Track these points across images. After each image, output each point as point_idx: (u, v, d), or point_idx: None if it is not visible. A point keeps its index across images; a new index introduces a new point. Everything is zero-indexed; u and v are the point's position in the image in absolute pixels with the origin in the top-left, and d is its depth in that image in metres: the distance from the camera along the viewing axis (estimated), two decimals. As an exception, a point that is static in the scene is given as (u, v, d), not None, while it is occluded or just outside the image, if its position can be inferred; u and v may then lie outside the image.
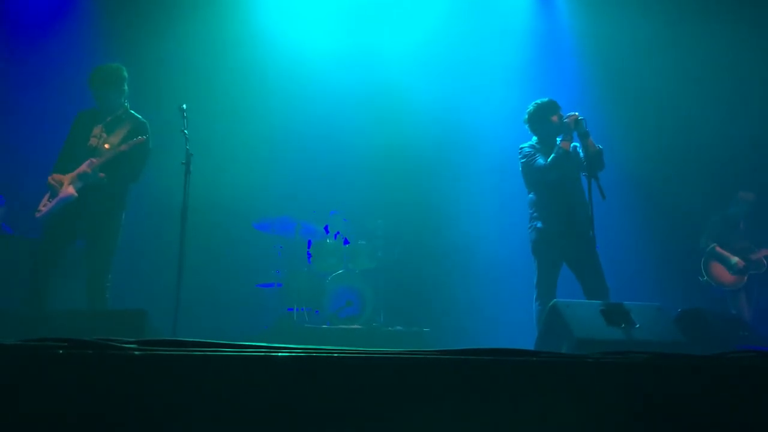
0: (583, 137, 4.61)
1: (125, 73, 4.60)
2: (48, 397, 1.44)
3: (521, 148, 4.89)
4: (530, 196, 4.85)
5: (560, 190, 4.70)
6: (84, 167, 4.35)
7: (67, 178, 4.35)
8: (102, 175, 4.36)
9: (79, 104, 4.87)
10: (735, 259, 6.43)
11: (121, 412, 1.45)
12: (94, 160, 4.36)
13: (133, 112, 4.65)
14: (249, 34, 7.06)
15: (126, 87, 4.61)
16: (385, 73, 7.31)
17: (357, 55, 7.35)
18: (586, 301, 4.41)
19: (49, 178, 4.37)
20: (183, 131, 4.52)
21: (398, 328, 6.28)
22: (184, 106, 4.58)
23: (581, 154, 4.70)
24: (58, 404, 1.44)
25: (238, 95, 6.92)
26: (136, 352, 1.53)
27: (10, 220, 5.93)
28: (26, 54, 6.57)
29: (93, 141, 4.45)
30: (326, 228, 6.77)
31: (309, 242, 6.69)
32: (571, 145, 4.70)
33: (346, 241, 6.65)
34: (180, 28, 6.69)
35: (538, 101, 4.88)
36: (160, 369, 1.50)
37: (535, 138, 4.89)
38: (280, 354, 1.56)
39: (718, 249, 6.50)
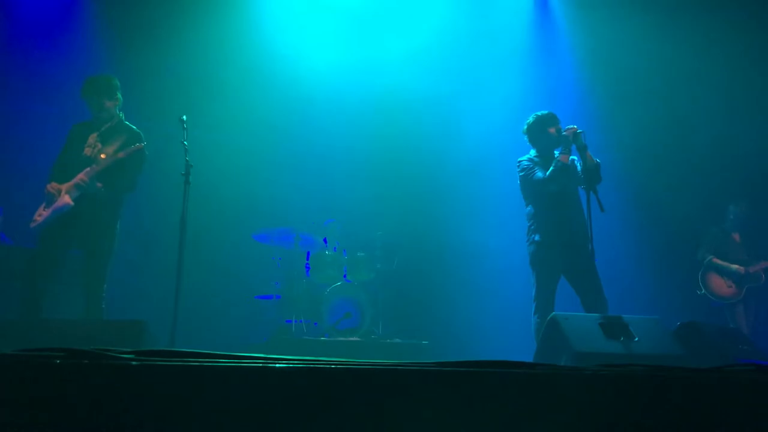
0: (582, 150, 4.62)
1: (117, 82, 4.61)
2: (45, 407, 1.44)
3: (519, 161, 4.90)
4: (528, 208, 4.85)
5: (558, 203, 4.71)
6: (81, 176, 4.34)
7: (64, 187, 4.34)
8: (100, 185, 4.35)
9: (77, 114, 4.87)
10: (734, 266, 6.41)
11: (118, 423, 1.45)
12: (90, 168, 4.35)
13: (127, 123, 4.64)
14: (248, 45, 7.07)
15: (120, 96, 4.61)
16: (384, 84, 7.32)
17: (356, 65, 7.37)
18: (585, 314, 4.40)
19: (48, 186, 4.36)
20: (183, 142, 4.51)
21: (397, 340, 6.25)
22: (184, 117, 4.57)
23: (579, 168, 4.72)
24: (55, 414, 1.44)
25: (238, 106, 6.92)
26: (133, 362, 1.53)
27: (8, 230, 5.92)
28: (23, 63, 6.57)
29: (87, 150, 4.44)
30: (325, 240, 6.76)
31: (308, 254, 6.67)
32: (569, 158, 4.72)
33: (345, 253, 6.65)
34: (180, 39, 6.70)
35: (538, 113, 4.91)
36: (157, 379, 1.50)
37: (533, 151, 4.91)
38: (277, 365, 1.56)
39: (716, 260, 6.48)
